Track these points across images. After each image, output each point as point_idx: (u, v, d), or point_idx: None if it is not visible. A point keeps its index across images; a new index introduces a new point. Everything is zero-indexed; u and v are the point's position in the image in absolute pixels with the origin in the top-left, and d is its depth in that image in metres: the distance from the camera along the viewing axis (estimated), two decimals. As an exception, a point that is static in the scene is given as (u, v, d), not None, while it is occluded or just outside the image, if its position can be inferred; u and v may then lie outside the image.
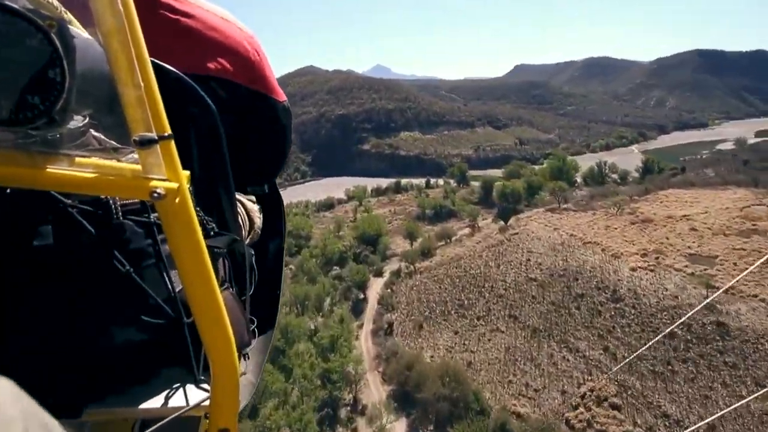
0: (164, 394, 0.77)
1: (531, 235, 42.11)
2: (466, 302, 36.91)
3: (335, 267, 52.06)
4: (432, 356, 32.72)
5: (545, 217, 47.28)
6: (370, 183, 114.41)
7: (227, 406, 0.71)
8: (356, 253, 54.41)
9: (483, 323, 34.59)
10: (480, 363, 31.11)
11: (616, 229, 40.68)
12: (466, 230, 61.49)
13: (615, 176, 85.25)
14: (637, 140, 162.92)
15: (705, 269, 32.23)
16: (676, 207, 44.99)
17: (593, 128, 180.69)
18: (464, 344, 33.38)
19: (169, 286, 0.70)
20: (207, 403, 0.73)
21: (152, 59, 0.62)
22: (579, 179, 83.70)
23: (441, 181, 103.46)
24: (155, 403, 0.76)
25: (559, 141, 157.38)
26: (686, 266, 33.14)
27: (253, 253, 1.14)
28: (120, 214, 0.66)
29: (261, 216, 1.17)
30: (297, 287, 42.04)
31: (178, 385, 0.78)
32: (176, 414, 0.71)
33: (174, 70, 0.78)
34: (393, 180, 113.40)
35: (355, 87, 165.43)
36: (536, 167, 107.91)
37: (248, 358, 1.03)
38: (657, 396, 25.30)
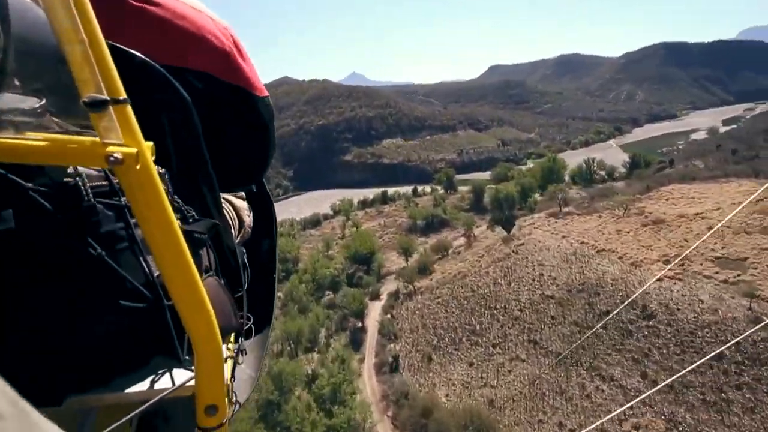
0: (149, 378, 0.76)
1: (538, 245, 38.95)
2: (478, 327, 33.28)
3: (327, 292, 47.86)
4: (447, 395, 28.94)
5: (549, 224, 44.30)
6: (356, 194, 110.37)
7: (213, 383, 0.70)
8: (349, 275, 50.32)
9: (500, 351, 31.00)
10: (503, 400, 27.47)
11: (628, 232, 37.90)
12: (462, 240, 58.25)
13: (603, 173, 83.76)
14: (613, 135, 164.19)
15: (738, 275, 29.45)
16: (685, 204, 42.59)
17: (571, 125, 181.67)
18: (482, 378, 29.69)
19: (146, 269, 0.69)
20: (192, 383, 0.71)
21: (115, 44, 0.59)
22: (567, 178, 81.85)
23: (428, 188, 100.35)
24: (140, 387, 0.75)
25: (540, 140, 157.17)
26: (717, 272, 30.31)
27: (245, 251, 1.14)
28: (90, 196, 0.64)
29: (251, 214, 1.16)
30: (288, 322, 37.64)
31: (163, 368, 0.77)
32: (161, 395, 0.70)
33: (139, 54, 0.76)
34: (379, 190, 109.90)
35: (334, 96, 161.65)
36: (523, 168, 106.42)
37: (246, 353, 1.01)
38: (713, 431, 22.15)
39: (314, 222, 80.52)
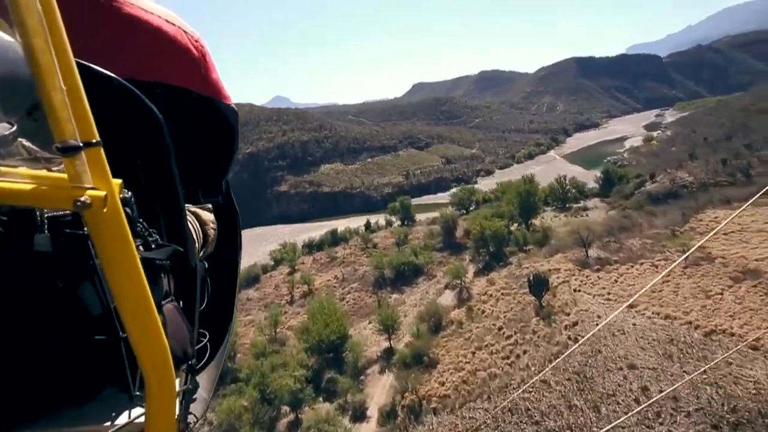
0: (98, 413, 0.73)
1: (597, 320, 26.53)
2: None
3: (284, 409, 31.40)
4: None
5: (587, 280, 32.46)
6: (297, 231, 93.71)
7: (162, 421, 0.68)
8: (313, 378, 34.19)
9: None
10: None
11: (721, 294, 26.90)
12: (450, 296, 44.90)
13: (575, 191, 75.57)
14: (551, 145, 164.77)
15: None
16: (761, 241, 32.72)
17: (509, 138, 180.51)
18: None
19: (103, 301, 0.67)
20: (142, 419, 0.69)
21: (93, 66, 0.58)
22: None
23: (382, 219, 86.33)
24: (87, 422, 0.72)
25: (483, 155, 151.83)
26: None
27: (206, 266, 1.12)
28: (46, 225, 0.62)
29: (215, 227, 1.14)
30: None
31: (114, 403, 0.74)
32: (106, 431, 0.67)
33: (117, 77, 0.74)
34: (322, 223, 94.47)
35: (261, 119, 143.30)
36: (480, 186, 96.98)
37: (198, 373, 0.99)
38: None
39: (251, 279, 62.35)
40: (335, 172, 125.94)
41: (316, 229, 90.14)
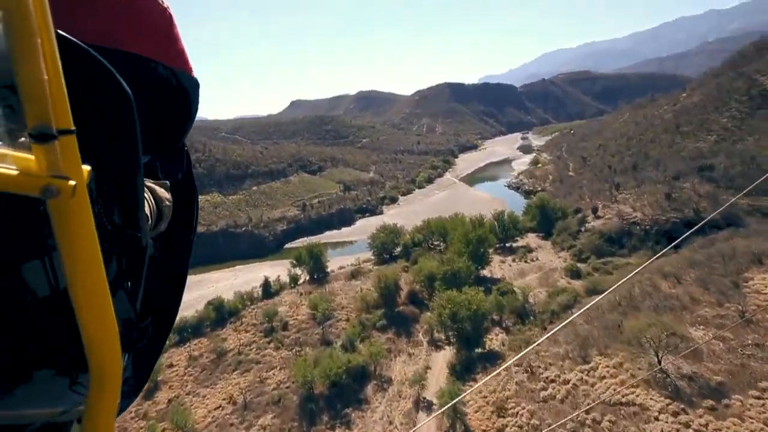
0: (35, 398, 0.70)
1: None
2: None
3: None
4: None
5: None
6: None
7: (104, 409, 0.67)
8: None
9: None
10: None
11: None
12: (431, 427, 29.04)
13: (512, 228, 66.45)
14: (446, 167, 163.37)
15: None
16: None
17: (403, 159, 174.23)
18: None
19: (52, 281, 0.63)
20: (82, 407, 0.67)
21: (63, 33, 0.57)
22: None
23: (281, 269, 66.57)
24: (22, 407, 0.68)
25: (382, 179, 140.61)
26: None
27: (157, 246, 1.11)
28: None
29: (171, 206, 1.11)
30: None
31: (53, 388, 0.71)
32: (46, 418, 0.66)
33: (88, 49, 0.69)
34: (198, 278, 70.48)
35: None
36: (396, 221, 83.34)
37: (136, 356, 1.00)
38: None
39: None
40: (212, 206, 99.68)
41: (189, 289, 64.15)
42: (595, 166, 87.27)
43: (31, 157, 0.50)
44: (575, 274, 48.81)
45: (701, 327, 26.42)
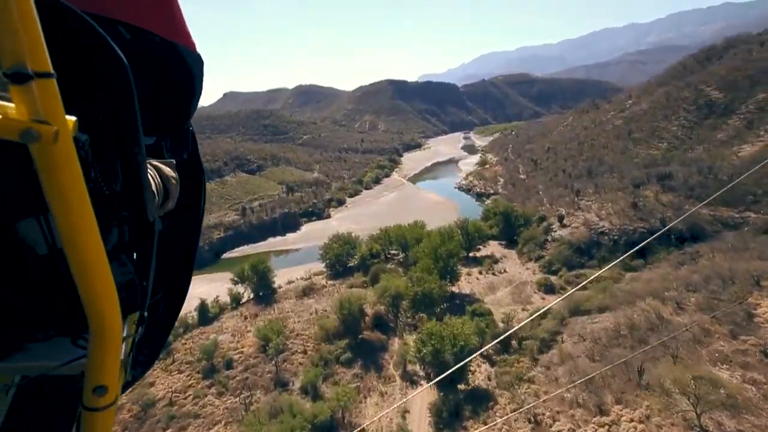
0: (39, 352, 0.71)
1: None
2: None
3: None
4: None
5: None
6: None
7: (106, 363, 0.67)
8: None
9: None
10: None
11: None
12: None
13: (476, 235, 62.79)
14: (392, 167, 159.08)
15: None
16: None
17: (348, 158, 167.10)
18: None
19: (49, 240, 0.63)
20: (84, 360, 0.68)
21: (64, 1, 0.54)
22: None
23: (220, 286, 57.59)
24: (27, 360, 0.70)
25: (328, 179, 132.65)
26: None
27: (166, 224, 1.11)
28: None
29: (178, 185, 1.10)
30: None
31: (56, 343, 0.72)
32: (49, 370, 0.67)
33: (86, 18, 0.68)
34: None
35: None
36: (346, 227, 76.62)
37: (143, 330, 0.99)
38: None
39: None
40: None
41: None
42: (548, 170, 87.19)
43: (12, 105, 0.49)
44: (549, 288, 45.80)
45: (725, 366, 23.39)
